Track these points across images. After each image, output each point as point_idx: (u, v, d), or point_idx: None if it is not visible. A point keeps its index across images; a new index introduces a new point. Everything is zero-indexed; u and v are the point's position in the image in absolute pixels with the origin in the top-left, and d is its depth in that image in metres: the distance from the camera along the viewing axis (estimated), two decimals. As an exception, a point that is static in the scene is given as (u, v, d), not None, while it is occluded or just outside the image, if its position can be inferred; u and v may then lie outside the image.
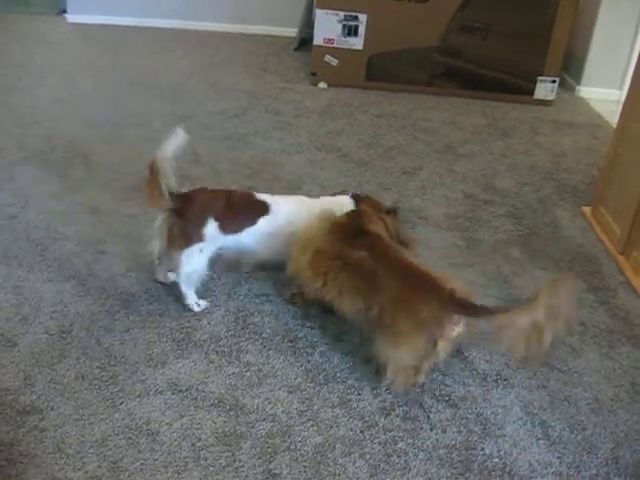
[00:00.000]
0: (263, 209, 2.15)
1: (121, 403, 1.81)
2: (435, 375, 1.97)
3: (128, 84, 3.94)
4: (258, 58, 4.51)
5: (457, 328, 1.82)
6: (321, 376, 1.94)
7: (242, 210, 2.15)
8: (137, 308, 2.15)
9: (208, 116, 3.56)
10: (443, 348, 1.83)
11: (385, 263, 1.91)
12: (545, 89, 4.17)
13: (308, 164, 3.13)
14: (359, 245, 1.95)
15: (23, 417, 1.75)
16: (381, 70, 4.14)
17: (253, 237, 2.15)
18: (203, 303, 2.16)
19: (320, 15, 3.99)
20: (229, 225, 2.09)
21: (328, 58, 4.06)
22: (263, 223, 2.14)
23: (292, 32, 4.77)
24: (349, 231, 2.01)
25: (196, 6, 4.95)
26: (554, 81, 4.15)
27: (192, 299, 2.14)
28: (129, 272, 2.31)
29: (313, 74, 4.12)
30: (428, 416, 1.85)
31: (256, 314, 2.15)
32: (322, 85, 4.08)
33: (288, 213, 2.18)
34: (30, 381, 1.86)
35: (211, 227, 2.06)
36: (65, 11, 5.12)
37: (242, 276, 2.31)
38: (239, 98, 3.83)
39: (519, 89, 4.17)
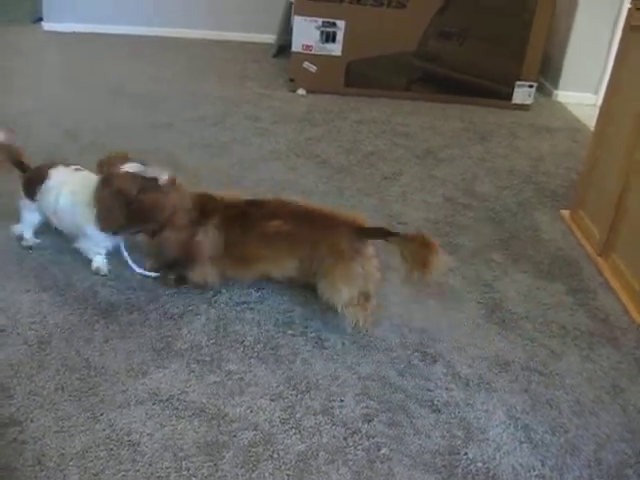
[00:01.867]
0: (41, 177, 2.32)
1: (101, 414, 1.79)
2: (418, 380, 1.97)
3: (106, 92, 3.92)
4: (236, 65, 4.50)
5: (370, 249, 2.09)
6: (303, 384, 1.93)
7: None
8: (116, 318, 2.12)
9: (186, 123, 3.55)
10: (373, 267, 2.09)
11: (289, 220, 2.12)
12: (523, 94, 4.20)
13: (288, 171, 3.12)
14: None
15: (2, 429, 1.72)
16: (360, 76, 4.15)
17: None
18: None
19: (298, 22, 4.00)
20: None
21: (307, 65, 4.07)
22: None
23: (270, 39, 4.77)
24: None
25: (172, 13, 4.94)
26: (531, 86, 4.18)
27: None
28: (108, 281, 2.28)
29: (292, 80, 4.12)
30: (412, 422, 1.84)
31: (237, 322, 2.14)
32: (301, 92, 4.08)
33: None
34: (9, 393, 1.83)
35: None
36: (41, 19, 5.09)
37: (223, 284, 2.30)
38: (217, 105, 3.82)
39: (497, 94, 4.20)
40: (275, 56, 4.66)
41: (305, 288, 2.30)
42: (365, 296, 2.09)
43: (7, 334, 2.03)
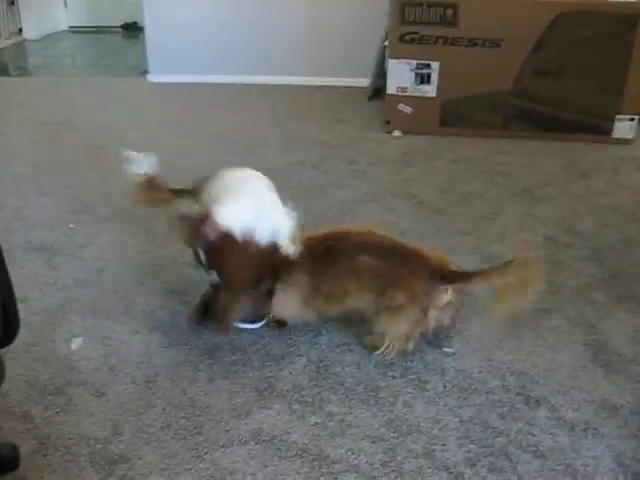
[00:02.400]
0: None
1: (206, 453, 1.84)
2: (520, 424, 1.93)
3: (206, 139, 4.07)
4: (332, 109, 4.59)
5: (446, 296, 2.09)
6: (404, 426, 1.92)
7: None
8: (220, 358, 2.18)
9: (285, 168, 3.64)
10: (433, 316, 2.11)
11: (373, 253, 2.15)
12: (624, 128, 4.09)
13: (385, 212, 3.15)
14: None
15: (112, 466, 1.80)
16: (455, 116, 4.16)
17: None
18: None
19: (393, 64, 4.06)
20: None
21: (402, 106, 4.11)
22: None
23: (365, 82, 4.85)
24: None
25: (270, 61, 5.11)
26: (632, 119, 4.07)
27: None
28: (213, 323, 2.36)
29: (387, 122, 4.17)
30: (515, 467, 1.80)
31: (337, 364, 2.16)
32: (396, 133, 4.12)
33: None
34: (118, 430, 1.91)
35: None
36: (147, 72, 5.36)
37: (323, 325, 2.33)
38: (315, 149, 3.90)
39: (596, 129, 4.11)
40: (370, 99, 4.73)
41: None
42: (409, 336, 2.14)
43: (117, 373, 2.12)
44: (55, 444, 1.86)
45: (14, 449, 1.82)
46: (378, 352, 2.16)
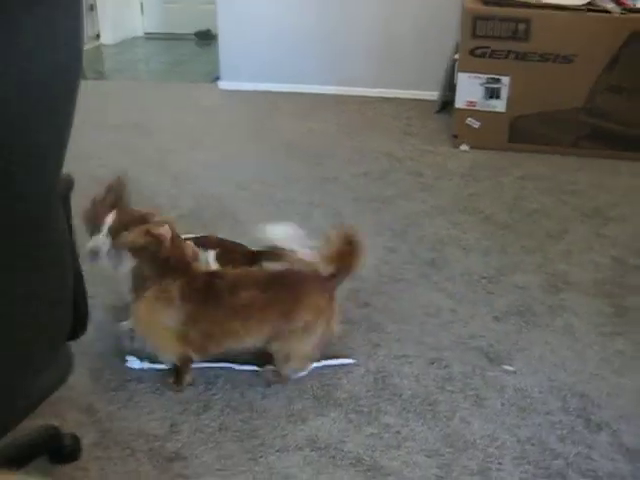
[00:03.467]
0: None
1: (261, 456, 1.86)
2: (580, 448, 1.89)
3: (274, 148, 4.12)
4: (400, 121, 4.59)
5: (334, 304, 2.10)
6: (460, 442, 1.91)
7: None
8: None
9: (351, 178, 3.65)
10: (331, 331, 2.10)
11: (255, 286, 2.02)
12: (698, 148, 3.98)
13: (450, 226, 3.13)
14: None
15: (169, 463, 1.83)
16: (524, 132, 4.10)
17: None
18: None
19: (462, 78, 4.03)
20: None
21: (470, 121, 4.08)
22: None
23: (433, 95, 4.83)
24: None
25: (341, 72, 5.13)
26: None
27: None
28: (272, 328, 2.38)
29: (455, 136, 4.14)
30: (574, 491, 1.77)
31: (395, 375, 2.15)
32: (464, 147, 4.09)
33: None
34: (176, 429, 1.95)
35: None
36: (218, 78, 5.46)
37: (382, 337, 2.33)
38: (381, 161, 3.90)
39: (671, 149, 4.00)
40: (438, 112, 4.71)
41: (466, 346, 2.29)
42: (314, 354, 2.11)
43: (196, 374, 2.16)
44: (116, 438, 1.91)
45: (76, 440, 1.88)
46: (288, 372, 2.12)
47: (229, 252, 2.33)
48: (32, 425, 1.87)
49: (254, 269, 2.20)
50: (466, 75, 4.01)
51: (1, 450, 1.78)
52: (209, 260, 2.28)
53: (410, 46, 4.98)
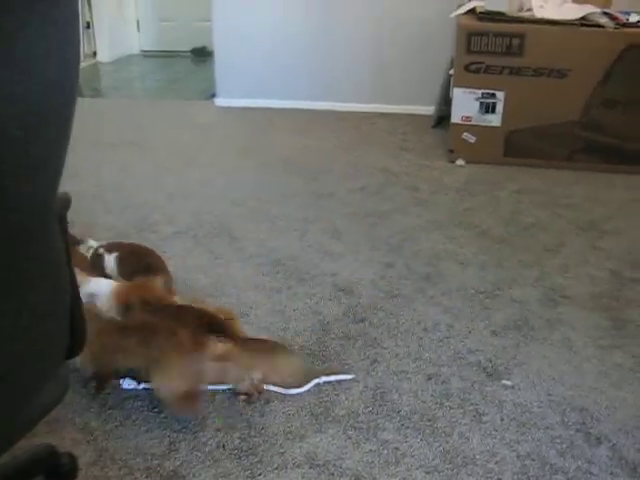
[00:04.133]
0: None
1: (259, 474, 1.84)
2: (580, 462, 1.88)
3: (270, 164, 4.13)
4: (395, 136, 4.61)
5: (222, 346, 1.95)
6: (459, 458, 1.89)
7: None
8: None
9: (347, 193, 3.66)
10: (210, 368, 1.98)
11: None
12: (693, 161, 4.00)
13: (447, 241, 3.13)
14: None
15: (167, 482, 1.82)
16: (519, 146, 4.12)
17: None
18: None
19: (458, 93, 4.05)
20: None
21: (466, 135, 4.10)
22: None
23: (429, 110, 4.85)
24: None
25: (336, 88, 5.16)
26: None
27: None
28: (270, 345, 2.37)
29: (451, 151, 4.16)
30: (574, 507, 1.76)
31: (394, 391, 2.14)
32: (460, 162, 4.10)
33: None
34: (174, 447, 1.94)
35: None
36: (214, 95, 5.48)
37: (379, 352, 2.32)
38: (377, 176, 3.91)
39: (666, 162, 4.02)
40: (434, 127, 4.73)
41: (464, 361, 2.28)
42: (192, 394, 1.99)
43: (176, 391, 2.16)
44: (113, 457, 1.90)
45: (73, 459, 1.86)
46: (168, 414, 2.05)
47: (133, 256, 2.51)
48: (28, 444, 1.87)
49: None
50: (461, 90, 4.03)
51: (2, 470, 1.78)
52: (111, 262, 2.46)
53: (405, 62, 5.01)
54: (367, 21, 4.99)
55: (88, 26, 7.36)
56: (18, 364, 1.23)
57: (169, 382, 1.98)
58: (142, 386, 2.17)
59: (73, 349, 1.44)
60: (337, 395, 2.13)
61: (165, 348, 1.94)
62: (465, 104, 4.05)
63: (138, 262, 2.54)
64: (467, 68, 3.98)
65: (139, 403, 2.11)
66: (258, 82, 5.30)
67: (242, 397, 2.12)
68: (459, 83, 4.04)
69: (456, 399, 2.11)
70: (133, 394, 2.14)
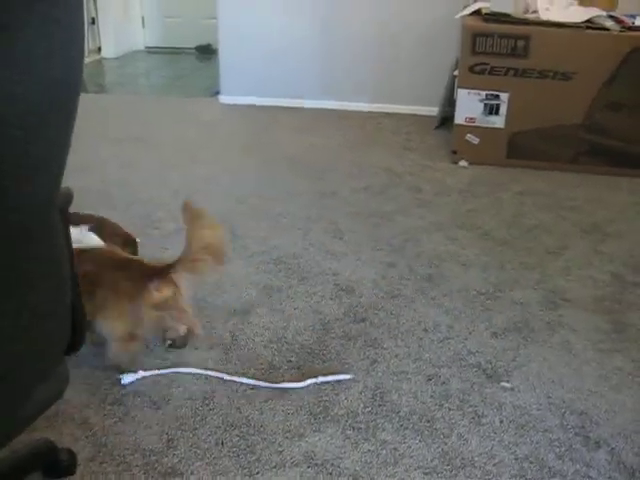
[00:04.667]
0: None
1: (257, 472, 1.84)
2: (578, 466, 1.88)
3: (274, 162, 4.13)
4: (399, 136, 4.61)
5: (159, 293, 2.13)
6: (458, 459, 1.89)
7: None
8: (277, 379, 2.20)
9: (351, 193, 3.66)
10: (150, 314, 2.13)
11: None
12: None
13: (449, 242, 3.13)
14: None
15: (165, 478, 1.82)
16: (522, 148, 4.11)
17: None
18: None
19: (462, 94, 4.05)
20: None
21: (469, 137, 4.09)
22: None
23: (433, 111, 4.85)
24: None
25: (341, 87, 5.16)
26: None
27: None
28: (271, 343, 2.38)
29: (454, 152, 4.16)
30: (572, 510, 1.76)
31: (394, 392, 2.14)
32: (463, 163, 4.10)
33: None
34: (173, 444, 1.94)
35: None
36: (219, 92, 5.48)
37: (379, 353, 2.32)
38: (381, 176, 3.91)
39: (670, 165, 4.01)
40: (438, 128, 4.73)
41: (464, 362, 2.28)
42: (132, 337, 2.16)
43: (174, 388, 2.15)
44: (111, 453, 1.90)
45: (72, 455, 1.87)
46: (108, 362, 2.19)
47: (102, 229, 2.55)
48: (28, 439, 1.87)
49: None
50: (466, 91, 4.03)
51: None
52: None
53: (410, 62, 5.01)
54: (373, 21, 4.99)
55: (93, 22, 7.37)
56: (18, 364, 1.23)
57: (110, 324, 2.14)
58: (141, 375, 2.20)
59: (73, 345, 1.44)
60: (336, 395, 2.13)
61: (107, 296, 2.11)
62: (469, 105, 4.04)
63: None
64: (472, 69, 3.97)
65: (138, 399, 2.11)
66: (263, 80, 5.30)
67: (168, 342, 2.33)
68: (463, 84, 4.04)
69: (455, 400, 2.11)
70: (132, 390, 2.15)
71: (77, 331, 1.43)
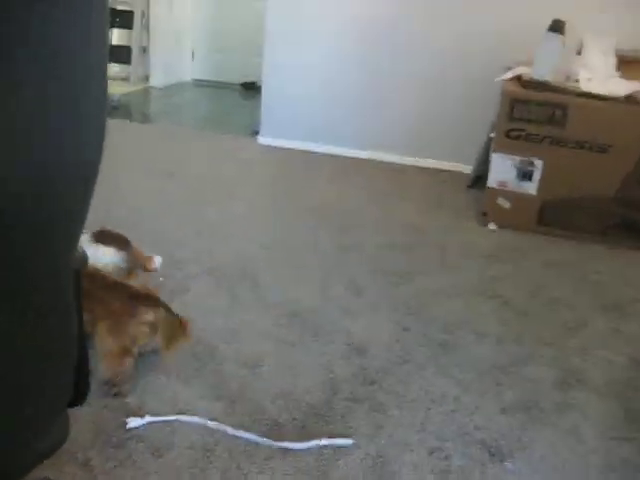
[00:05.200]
0: None
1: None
2: None
3: (302, 209, 4.17)
4: (430, 192, 4.62)
5: (147, 316, 2.35)
6: (451, 540, 1.88)
7: None
8: (281, 436, 2.20)
9: (374, 249, 3.67)
10: (138, 331, 2.35)
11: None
12: None
13: (466, 309, 3.12)
14: None
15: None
16: (554, 216, 4.10)
17: None
18: None
19: (496, 158, 4.06)
20: None
21: (501, 200, 4.09)
22: None
23: (467, 169, 4.86)
24: None
25: (377, 137, 5.21)
26: None
27: None
28: (278, 399, 2.38)
29: (484, 214, 4.16)
30: None
31: (394, 462, 2.13)
32: (492, 226, 4.10)
33: None
34: (169, 497, 1.96)
35: None
36: (257, 132, 5.57)
37: (385, 419, 2.32)
38: (407, 232, 3.92)
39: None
40: (470, 187, 4.74)
41: (469, 437, 2.26)
42: (122, 353, 2.35)
43: (177, 436, 2.16)
44: (108, 498, 1.93)
45: (72, 497, 1.89)
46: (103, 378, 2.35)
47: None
48: (29, 476, 1.90)
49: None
50: (500, 155, 4.04)
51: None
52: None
53: (449, 118, 5.05)
54: (417, 77, 5.05)
55: (144, 50, 7.56)
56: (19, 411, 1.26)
57: (103, 342, 2.34)
58: (148, 420, 2.23)
59: (77, 398, 1.47)
60: (337, 460, 2.12)
61: (99, 314, 2.32)
62: (502, 169, 4.05)
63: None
64: (508, 134, 3.99)
65: (141, 445, 2.13)
66: (302, 124, 5.37)
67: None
68: (498, 148, 4.05)
69: (455, 477, 2.09)
70: (137, 434, 2.17)
71: (81, 385, 1.46)
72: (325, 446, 2.17)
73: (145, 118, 6.51)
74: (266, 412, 2.32)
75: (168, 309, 2.42)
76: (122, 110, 6.56)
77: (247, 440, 2.18)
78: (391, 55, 5.05)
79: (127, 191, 4.20)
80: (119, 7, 7.61)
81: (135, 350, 2.38)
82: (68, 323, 1.31)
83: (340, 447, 2.17)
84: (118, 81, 7.60)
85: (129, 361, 2.37)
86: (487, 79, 4.63)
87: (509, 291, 3.32)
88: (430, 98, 5.07)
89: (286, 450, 2.15)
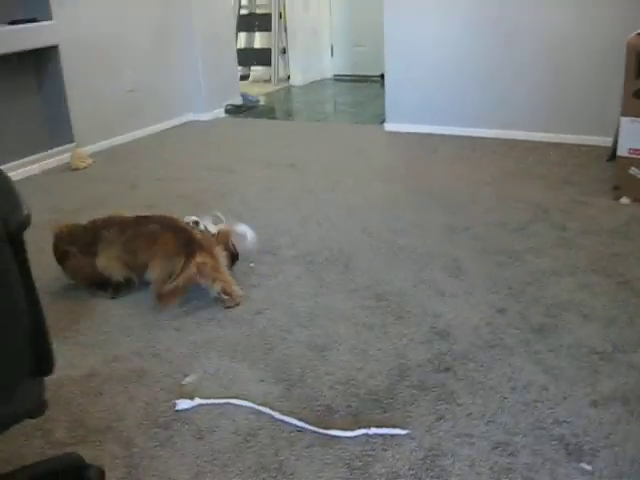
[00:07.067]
0: None
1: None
2: None
3: (415, 193, 3.94)
4: (561, 168, 4.20)
5: (201, 258, 2.68)
6: None
7: None
8: (330, 424, 2.01)
9: (484, 228, 3.36)
10: (188, 268, 2.66)
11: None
12: None
13: (577, 288, 2.73)
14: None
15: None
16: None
17: None
18: None
19: (625, 123, 3.57)
20: None
21: (633, 170, 3.59)
22: None
23: (607, 141, 4.36)
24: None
25: (505, 114, 4.85)
26: None
27: None
28: (338, 384, 2.20)
29: (615, 188, 3.67)
30: None
31: (449, 456, 1.87)
32: (624, 200, 3.61)
33: None
34: (198, 478, 1.84)
35: None
36: (384, 120, 5.40)
37: (450, 409, 2.06)
38: (525, 210, 3.56)
39: None
40: (609, 160, 4.24)
41: (544, 432, 1.95)
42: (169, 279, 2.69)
43: (223, 420, 2.07)
44: (139, 476, 1.85)
45: (101, 473, 1.84)
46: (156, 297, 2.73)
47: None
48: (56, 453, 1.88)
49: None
50: (629, 119, 3.55)
51: (22, 475, 1.79)
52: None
53: (582, 88, 4.58)
54: (541, 45, 4.62)
55: (284, 51, 7.63)
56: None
57: (153, 271, 2.75)
58: (197, 402, 2.15)
59: (42, 368, 1.39)
60: (384, 450, 1.90)
61: (154, 254, 2.76)
62: (634, 135, 3.54)
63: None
64: (636, 94, 3.49)
65: (186, 427, 2.06)
66: (426, 108, 5.13)
67: (225, 297, 2.74)
68: (627, 111, 3.55)
69: (517, 477, 1.79)
70: (184, 416, 2.09)
71: (42, 353, 1.37)
72: (375, 435, 1.95)
73: (286, 115, 6.58)
74: (321, 398, 2.14)
75: (216, 259, 2.75)
76: (264, 109, 6.64)
77: (293, 426, 2.02)
78: (520, 31, 4.66)
79: (243, 184, 4.21)
80: (258, 11, 7.75)
81: (180, 281, 2.66)
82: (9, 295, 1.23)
83: (391, 437, 1.95)
84: (260, 82, 7.74)
85: (175, 299, 2.70)
86: (622, 40, 4.13)
87: (631, 270, 2.88)
88: (560, 66, 4.60)
89: (332, 438, 1.96)
